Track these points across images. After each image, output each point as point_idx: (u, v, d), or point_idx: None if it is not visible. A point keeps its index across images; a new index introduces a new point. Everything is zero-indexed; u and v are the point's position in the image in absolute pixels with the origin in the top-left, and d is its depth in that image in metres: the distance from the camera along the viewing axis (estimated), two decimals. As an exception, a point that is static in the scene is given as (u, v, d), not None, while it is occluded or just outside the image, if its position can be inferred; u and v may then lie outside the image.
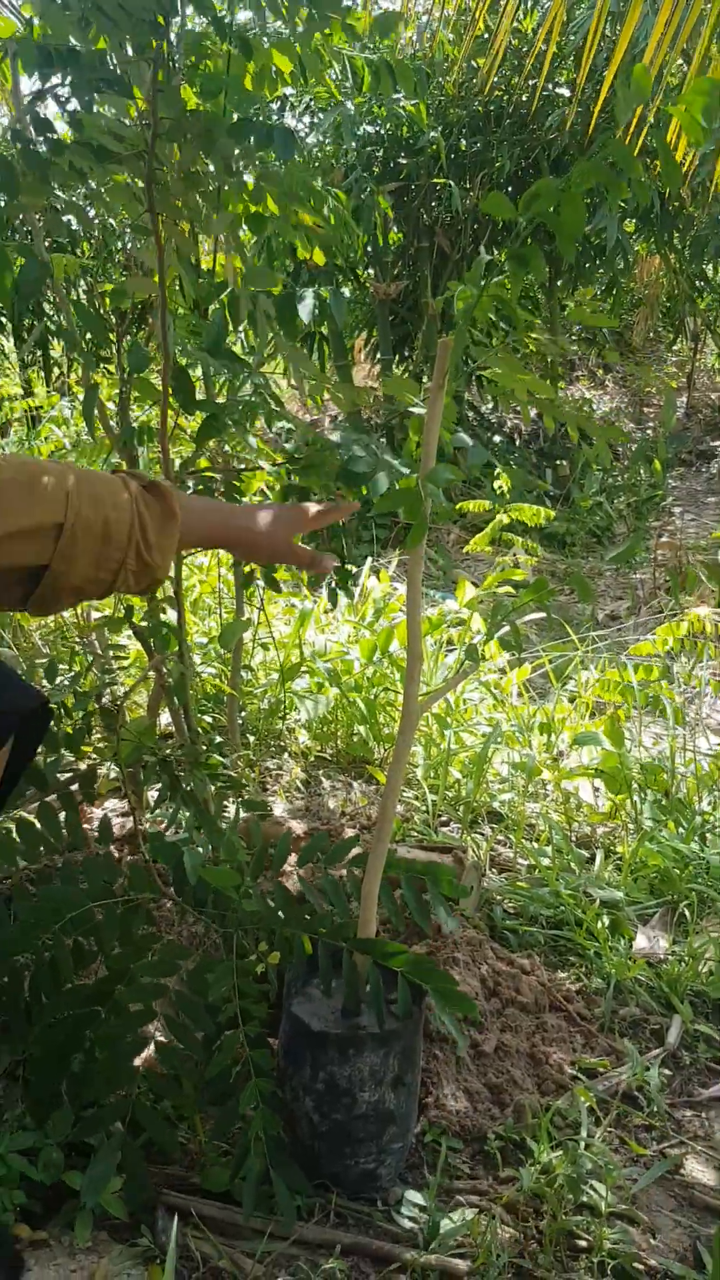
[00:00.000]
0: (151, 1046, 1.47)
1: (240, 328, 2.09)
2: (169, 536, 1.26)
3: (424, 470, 1.34)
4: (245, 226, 1.88)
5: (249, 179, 2.07)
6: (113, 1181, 1.38)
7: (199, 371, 2.20)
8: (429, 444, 1.36)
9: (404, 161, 6.64)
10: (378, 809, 2.52)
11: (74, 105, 1.76)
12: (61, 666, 2.36)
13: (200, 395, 1.91)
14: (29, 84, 2.01)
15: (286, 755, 2.83)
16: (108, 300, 1.86)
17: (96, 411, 1.91)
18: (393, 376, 7.20)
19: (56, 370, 8.22)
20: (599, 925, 2.11)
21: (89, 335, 2.05)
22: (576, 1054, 1.80)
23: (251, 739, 2.84)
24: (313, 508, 1.46)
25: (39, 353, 8.05)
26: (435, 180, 6.53)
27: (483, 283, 1.30)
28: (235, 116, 1.94)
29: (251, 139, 1.68)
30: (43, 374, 7.98)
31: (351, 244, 6.32)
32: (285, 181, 1.91)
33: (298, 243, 2.25)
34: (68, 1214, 1.36)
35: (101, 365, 5.83)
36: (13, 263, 1.81)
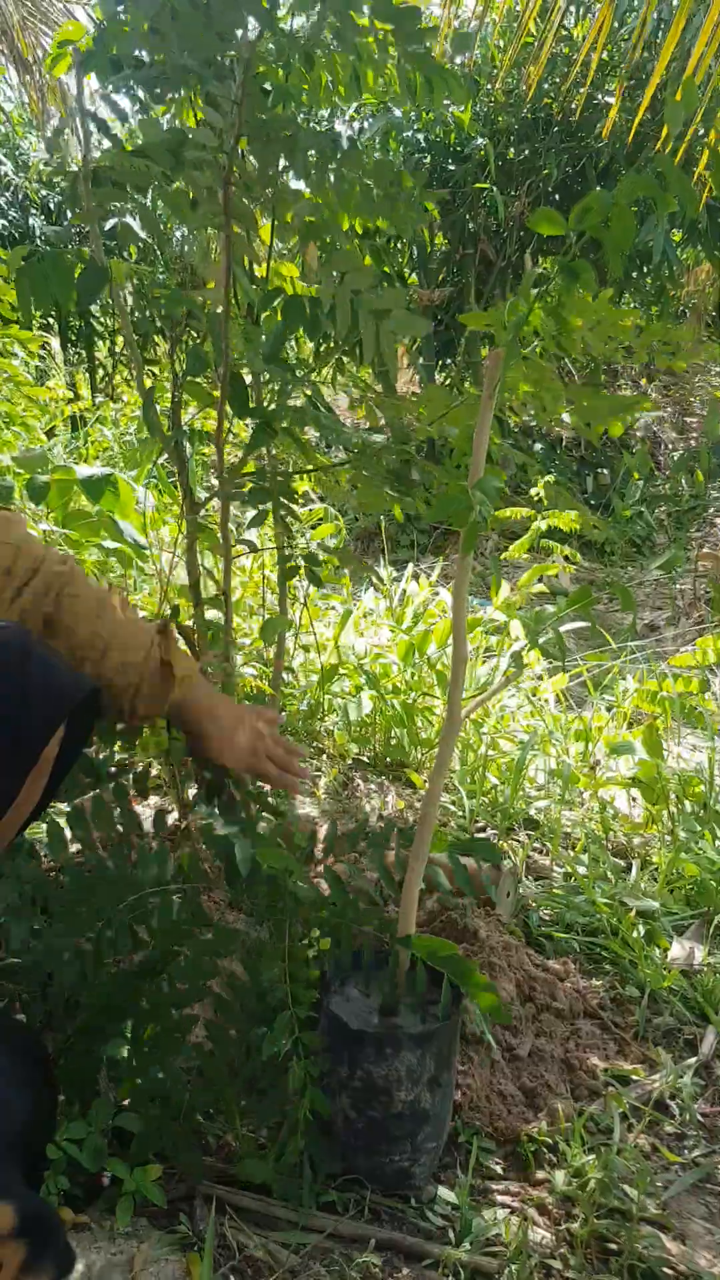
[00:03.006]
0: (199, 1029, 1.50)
1: (291, 337, 2.12)
2: (149, 714, 1.53)
3: (473, 478, 1.36)
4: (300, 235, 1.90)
5: (302, 186, 2.09)
6: (152, 1169, 1.41)
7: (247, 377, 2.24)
8: (478, 453, 1.38)
9: (451, 168, 6.67)
10: (419, 810, 2.55)
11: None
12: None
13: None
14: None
15: (324, 757, 2.86)
16: (166, 306, 1.90)
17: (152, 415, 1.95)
18: (433, 384, 7.21)
19: (101, 371, 8.31)
20: (634, 934, 2.11)
21: (139, 337, 2.09)
22: (610, 1060, 1.81)
23: (290, 739, 2.86)
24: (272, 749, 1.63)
25: (84, 354, 8.14)
26: (480, 186, 6.54)
27: (534, 294, 1.32)
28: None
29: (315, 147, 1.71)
30: (88, 376, 8.07)
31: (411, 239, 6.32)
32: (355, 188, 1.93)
33: (349, 248, 2.27)
34: (108, 1198, 1.39)
35: (146, 368, 5.89)
36: (73, 268, 1.85)
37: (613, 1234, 1.44)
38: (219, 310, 1.78)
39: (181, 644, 1.62)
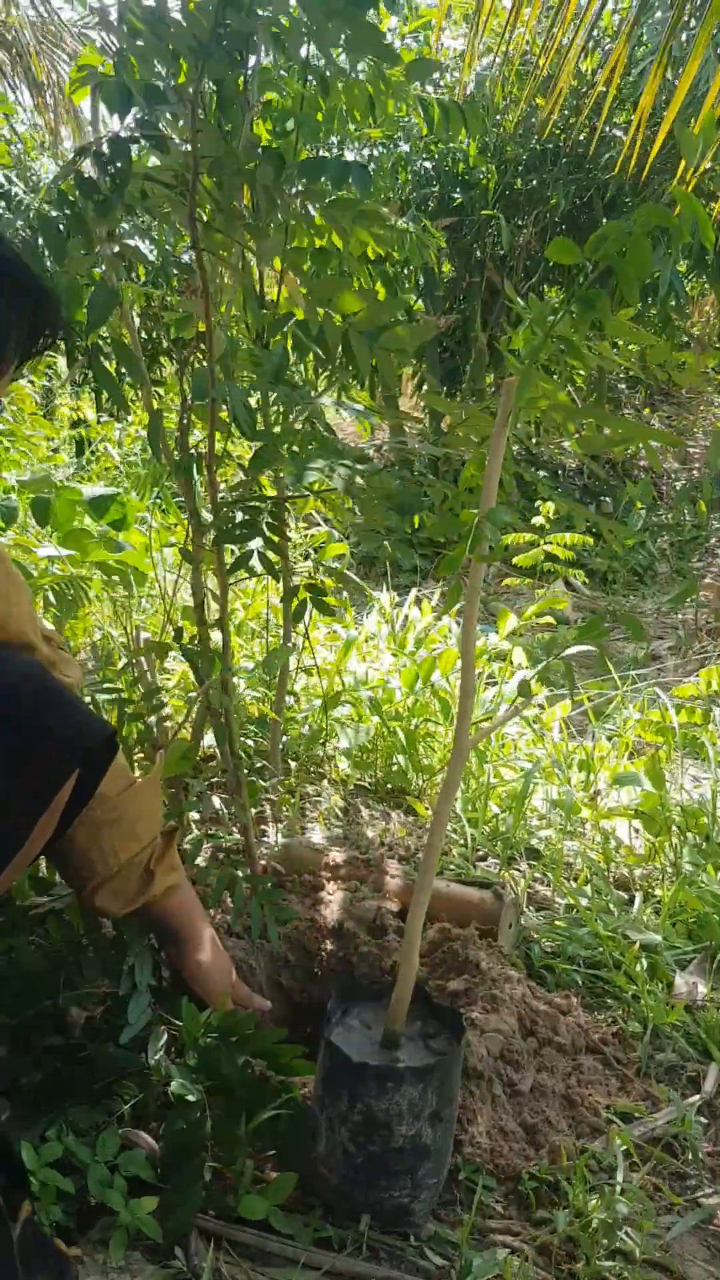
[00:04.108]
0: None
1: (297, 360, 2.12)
2: (103, 910, 1.51)
3: (483, 508, 1.35)
4: (311, 260, 1.91)
5: (313, 211, 2.09)
6: (146, 1201, 1.38)
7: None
8: (490, 483, 1.37)
9: (457, 196, 6.72)
10: (424, 844, 2.53)
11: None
12: (108, 685, 2.39)
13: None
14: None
15: (326, 782, 2.84)
16: (173, 329, 1.90)
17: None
18: (436, 395, 7.23)
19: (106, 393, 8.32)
20: (637, 968, 2.09)
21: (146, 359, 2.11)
22: (612, 1097, 1.79)
23: (293, 764, 2.85)
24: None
25: (90, 374, 8.16)
26: (488, 214, 6.59)
27: (549, 320, 1.31)
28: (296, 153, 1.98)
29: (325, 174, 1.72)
30: (93, 397, 8.08)
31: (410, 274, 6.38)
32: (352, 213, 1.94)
33: (359, 277, 2.28)
34: (102, 1230, 1.37)
35: (153, 389, 5.90)
36: (82, 291, 1.85)
37: (614, 1276, 1.42)
38: (204, 333, 1.78)
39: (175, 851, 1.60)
